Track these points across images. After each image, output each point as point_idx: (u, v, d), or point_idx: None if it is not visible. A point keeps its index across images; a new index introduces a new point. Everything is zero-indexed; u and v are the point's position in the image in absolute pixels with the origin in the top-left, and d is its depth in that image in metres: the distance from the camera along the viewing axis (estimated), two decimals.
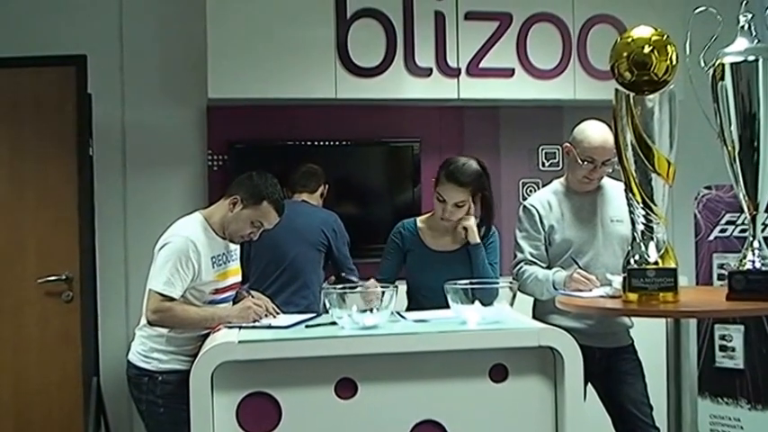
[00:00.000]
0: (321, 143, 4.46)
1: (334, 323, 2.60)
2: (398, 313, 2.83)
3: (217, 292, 2.88)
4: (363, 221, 4.31)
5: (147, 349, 2.85)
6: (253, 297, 2.97)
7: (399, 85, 4.34)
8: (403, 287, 3.14)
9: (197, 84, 4.28)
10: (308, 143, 4.40)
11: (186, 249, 2.76)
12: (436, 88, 4.38)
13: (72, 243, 3.95)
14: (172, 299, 2.72)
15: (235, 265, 3.01)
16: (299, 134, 4.42)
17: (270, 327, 2.70)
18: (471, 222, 3.11)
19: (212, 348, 2.42)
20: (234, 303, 2.96)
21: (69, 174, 3.97)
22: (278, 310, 2.93)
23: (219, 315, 2.75)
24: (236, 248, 3.02)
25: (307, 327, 2.66)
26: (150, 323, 2.77)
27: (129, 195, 4.38)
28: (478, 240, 3.09)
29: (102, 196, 4.25)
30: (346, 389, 2.45)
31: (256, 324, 2.73)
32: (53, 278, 3.95)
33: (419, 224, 3.21)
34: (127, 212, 4.36)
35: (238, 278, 3.02)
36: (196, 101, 4.42)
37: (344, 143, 4.49)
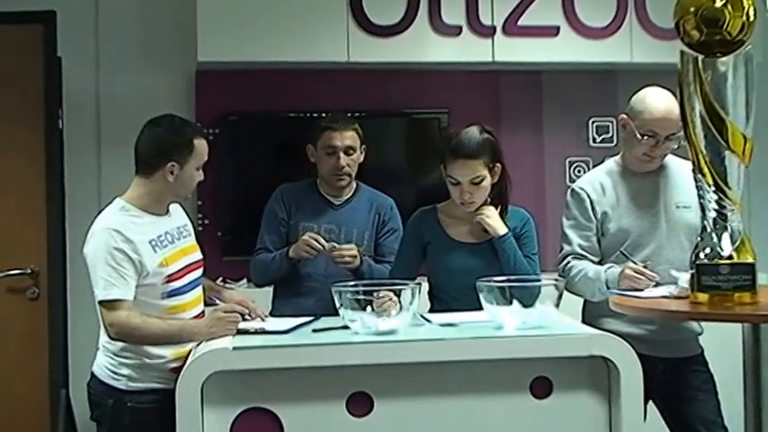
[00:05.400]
0: (331, 114, 4.44)
1: (345, 327, 2.60)
2: (422, 316, 2.82)
3: (172, 278, 2.81)
4: None
5: (116, 364, 2.78)
6: (223, 300, 2.92)
7: (423, 47, 4.33)
8: (426, 285, 3.13)
9: (184, 45, 4.27)
10: (315, 115, 4.37)
11: (111, 242, 2.71)
12: (467, 50, 4.36)
13: (38, 232, 3.97)
14: (120, 301, 2.67)
15: (188, 242, 2.94)
16: (304, 104, 4.41)
17: (263, 332, 2.68)
18: (490, 212, 3.07)
19: (203, 356, 2.42)
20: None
21: (35, 151, 3.98)
22: (266, 314, 2.92)
23: (189, 330, 2.71)
24: (184, 224, 2.98)
25: (314, 331, 2.66)
26: (112, 339, 2.73)
27: (104, 176, 4.38)
28: (505, 230, 3.06)
29: (73, 177, 4.25)
30: (360, 405, 2.45)
31: (248, 330, 2.70)
32: (16, 272, 3.96)
33: (439, 212, 3.18)
34: (102, 196, 4.34)
35: (197, 256, 2.96)
36: (183, 65, 4.42)
37: (358, 114, 4.44)
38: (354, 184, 3.47)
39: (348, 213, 3.41)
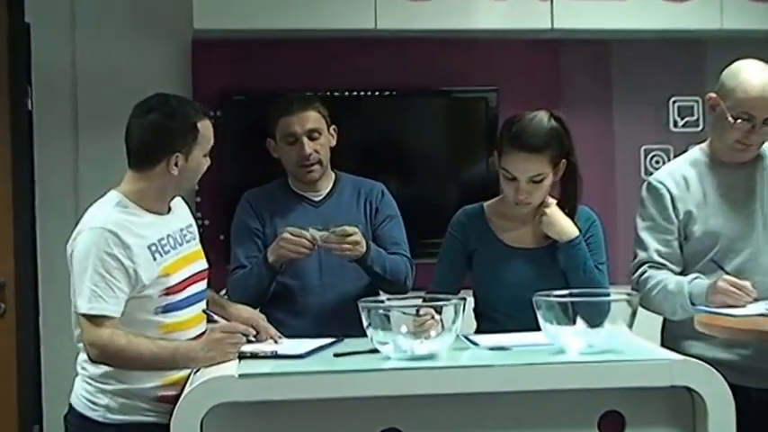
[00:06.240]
0: (355, 93, 4.46)
1: (374, 351, 2.60)
2: (466, 337, 2.83)
3: (170, 291, 2.81)
4: (417, 205, 4.28)
5: (94, 390, 2.79)
6: (220, 317, 2.90)
7: (467, 11, 4.34)
8: (471, 300, 3.14)
9: (178, 10, 4.29)
10: (336, 94, 4.40)
11: (102, 245, 2.70)
12: (520, 15, 4.38)
13: (3, 234, 4.00)
14: (106, 318, 2.67)
15: (192, 248, 2.95)
16: (323, 81, 4.42)
17: (275, 356, 2.70)
18: (554, 210, 3.08)
19: (203, 385, 2.43)
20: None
21: None
22: (280, 335, 2.93)
23: (183, 354, 2.70)
24: (188, 224, 2.98)
25: (335, 356, 2.66)
26: (93, 360, 2.73)
27: (82, 167, 4.41)
28: (575, 233, 3.06)
29: (44, 168, 4.28)
30: None
31: (257, 353, 2.71)
32: None
33: (487, 211, 3.19)
34: (79, 191, 4.39)
35: (201, 265, 2.96)
36: (177, 34, 4.45)
37: (388, 93, 4.48)
38: (333, 174, 3.48)
39: (333, 208, 3.42)
